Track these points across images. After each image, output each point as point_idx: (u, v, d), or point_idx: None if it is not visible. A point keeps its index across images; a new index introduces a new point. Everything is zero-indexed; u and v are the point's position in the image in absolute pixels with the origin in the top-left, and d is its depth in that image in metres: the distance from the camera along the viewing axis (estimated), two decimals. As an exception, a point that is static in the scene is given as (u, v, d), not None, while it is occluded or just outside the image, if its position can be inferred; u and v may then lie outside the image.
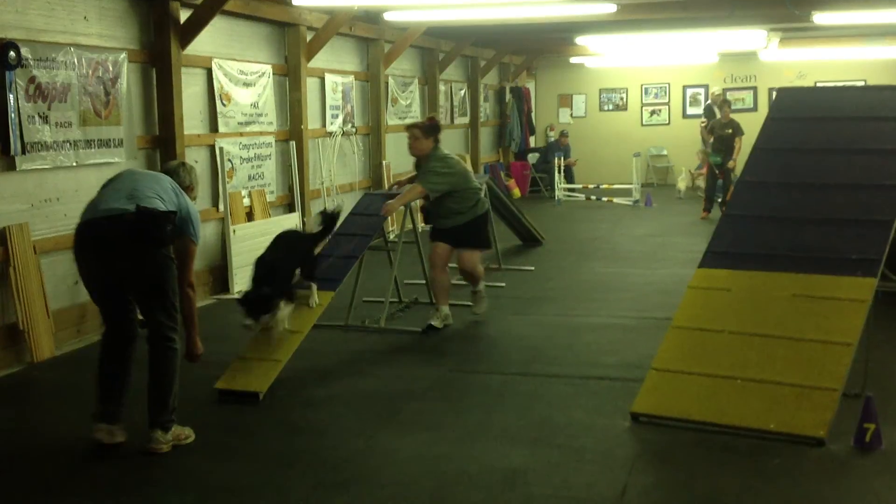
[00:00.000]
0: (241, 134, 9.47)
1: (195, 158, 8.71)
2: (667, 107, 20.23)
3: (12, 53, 6.37)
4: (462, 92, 16.64)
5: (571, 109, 20.74)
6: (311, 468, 4.48)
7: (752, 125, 16.46)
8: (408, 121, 14.09)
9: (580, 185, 17.92)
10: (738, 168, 12.35)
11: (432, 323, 7.20)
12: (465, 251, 7.30)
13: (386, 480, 4.31)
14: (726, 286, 5.52)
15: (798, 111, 6.55)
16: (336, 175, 11.64)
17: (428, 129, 7.20)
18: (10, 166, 6.49)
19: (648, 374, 5.19)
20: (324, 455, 4.66)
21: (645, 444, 4.73)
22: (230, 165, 9.18)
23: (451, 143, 15.97)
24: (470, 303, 7.68)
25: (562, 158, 17.68)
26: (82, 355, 6.70)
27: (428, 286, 8.09)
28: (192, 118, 8.62)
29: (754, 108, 19.22)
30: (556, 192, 17.15)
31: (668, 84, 20.13)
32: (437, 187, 7.13)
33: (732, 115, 14.37)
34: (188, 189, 5.13)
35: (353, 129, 12.22)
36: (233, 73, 9.31)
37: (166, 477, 4.41)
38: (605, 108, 20.58)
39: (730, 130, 14.02)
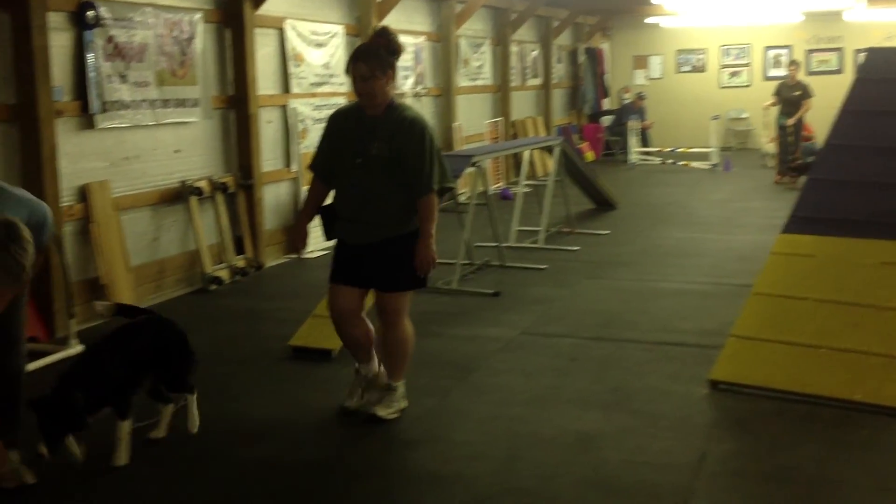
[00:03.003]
0: (314, 95, 9.48)
1: (268, 119, 8.75)
2: (747, 68, 19.67)
3: (91, 13, 6.45)
4: (534, 53, 16.40)
5: (647, 71, 20.31)
6: (383, 425, 4.48)
7: (837, 87, 15.97)
8: (479, 83, 14.00)
9: (656, 149, 17.58)
10: (818, 133, 11.94)
11: (346, 405, 4.62)
12: (389, 294, 4.41)
13: (458, 440, 4.29)
14: (810, 252, 5.35)
15: (888, 72, 6.28)
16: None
17: (389, 60, 4.27)
18: (90, 125, 6.60)
19: (728, 341, 5.06)
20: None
21: (723, 412, 4.62)
22: (302, 126, 9.21)
23: (523, 106, 15.80)
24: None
25: (637, 121, 17.35)
26: (161, 310, 6.78)
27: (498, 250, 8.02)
28: (265, 79, 8.64)
29: (839, 70, 18.57)
30: (630, 156, 16.86)
31: (749, 45, 19.54)
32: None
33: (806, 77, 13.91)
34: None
35: (424, 91, 12.14)
36: (305, 34, 9.30)
37: (240, 429, 4.46)
38: (683, 69, 20.09)
39: (798, 92, 13.61)
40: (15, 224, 3.41)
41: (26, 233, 3.42)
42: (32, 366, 5.31)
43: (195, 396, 4.39)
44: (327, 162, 4.44)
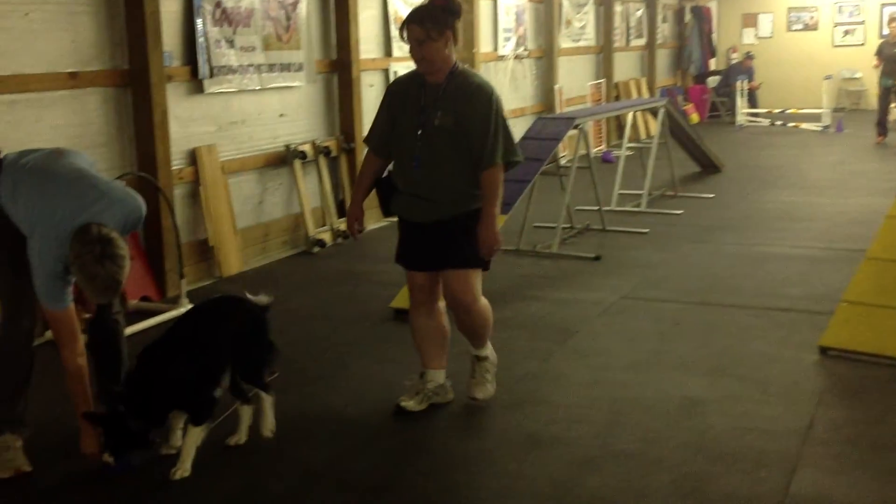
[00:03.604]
0: (415, 58, 9.48)
1: (370, 83, 8.81)
2: (862, 26, 18.79)
3: (203, -21, 6.58)
4: (639, 13, 16.02)
5: (756, 30, 19.61)
6: (483, 387, 4.50)
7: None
8: (582, 44, 13.77)
9: (764, 110, 17.02)
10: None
11: (402, 404, 4.17)
12: (456, 271, 4.04)
13: (560, 402, 4.29)
14: (930, 215, 5.10)
15: None
16: (508, 100, 11.51)
17: (446, 20, 3.87)
18: (199, 89, 6.76)
19: (839, 307, 4.89)
20: (497, 375, 4.67)
21: (834, 379, 4.48)
22: (404, 89, 9.23)
23: (626, 67, 15.48)
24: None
25: (745, 82, 16.81)
26: (267, 271, 7.00)
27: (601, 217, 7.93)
28: (367, 42, 8.69)
29: (963, 27, 17.54)
30: (738, 117, 16.36)
31: (864, 2, 18.65)
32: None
33: None
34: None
35: (526, 53, 12.01)
36: (407, -4, 9.30)
37: (342, 388, 4.55)
38: (794, 27, 19.32)
39: None
40: (111, 240, 3.33)
41: (122, 248, 3.37)
42: (145, 324, 5.54)
43: (272, 398, 3.85)
44: (384, 135, 4.06)
